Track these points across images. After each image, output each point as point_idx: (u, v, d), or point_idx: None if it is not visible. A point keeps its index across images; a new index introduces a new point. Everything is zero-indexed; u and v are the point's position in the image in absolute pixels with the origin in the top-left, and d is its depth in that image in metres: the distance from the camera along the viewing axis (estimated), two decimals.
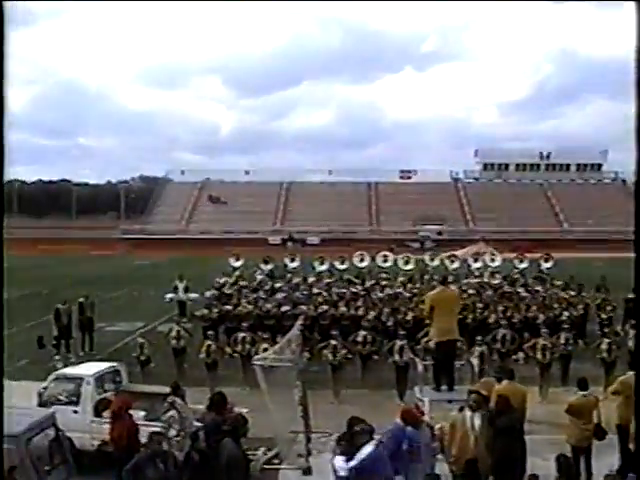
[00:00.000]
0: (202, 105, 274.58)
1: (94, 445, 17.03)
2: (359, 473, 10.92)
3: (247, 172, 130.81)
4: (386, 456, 11.47)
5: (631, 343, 23.60)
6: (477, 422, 13.57)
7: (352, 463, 10.98)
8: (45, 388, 18.17)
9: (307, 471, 14.86)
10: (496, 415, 13.86)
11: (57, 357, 28.03)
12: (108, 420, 15.90)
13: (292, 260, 41.31)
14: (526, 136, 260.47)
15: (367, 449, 11.13)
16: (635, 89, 3.40)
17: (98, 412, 17.45)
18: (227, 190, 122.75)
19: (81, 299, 30.97)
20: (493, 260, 41.29)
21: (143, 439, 14.97)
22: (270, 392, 15.90)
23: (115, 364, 19.69)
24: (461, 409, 14.28)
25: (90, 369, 18.87)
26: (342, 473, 11.05)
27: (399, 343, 22.81)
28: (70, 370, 19.75)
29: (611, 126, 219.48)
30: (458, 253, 47.06)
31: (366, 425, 12.01)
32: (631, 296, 32.97)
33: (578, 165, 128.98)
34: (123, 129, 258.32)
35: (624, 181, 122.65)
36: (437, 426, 14.41)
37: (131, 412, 15.68)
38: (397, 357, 22.58)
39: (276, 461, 16.05)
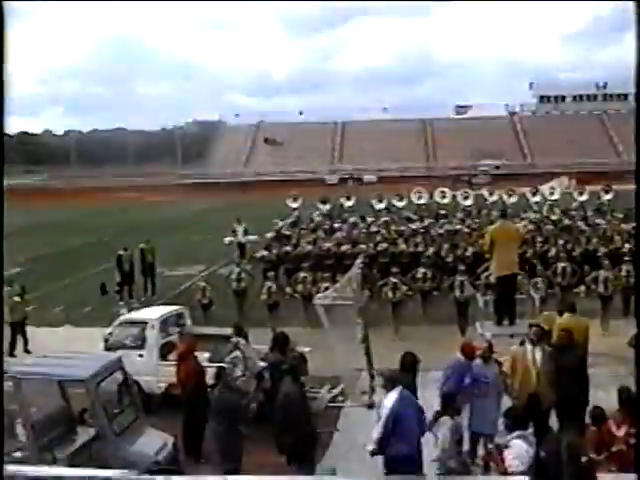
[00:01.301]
0: (254, 47, 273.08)
1: (161, 388, 17.30)
2: (388, 417, 10.93)
3: (301, 113, 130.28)
4: (414, 400, 11.44)
5: None
6: (538, 356, 13.50)
7: (384, 411, 10.99)
8: (110, 333, 18.45)
9: (371, 407, 14.96)
10: (559, 350, 13.81)
11: (120, 303, 28.43)
12: (174, 363, 16.11)
13: (348, 199, 41.23)
14: (583, 67, 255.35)
15: (392, 395, 11.10)
16: (635, 89, 3.36)
17: (163, 355, 17.70)
18: (282, 131, 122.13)
19: (142, 245, 31.32)
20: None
21: (209, 380, 15.21)
22: (332, 330, 16.01)
23: (178, 307, 19.92)
24: (522, 343, 14.25)
25: (154, 313, 19.13)
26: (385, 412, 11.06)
27: (459, 279, 22.75)
28: (134, 315, 20.04)
29: None
30: (542, 188, 46.35)
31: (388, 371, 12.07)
32: None
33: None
34: (176, 75, 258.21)
35: None
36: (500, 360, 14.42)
37: (196, 354, 15.86)
38: (458, 293, 22.55)
39: (340, 398, 16.23)
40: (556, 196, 40.70)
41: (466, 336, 19.80)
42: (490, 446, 11.35)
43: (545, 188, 43.21)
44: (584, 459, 2.86)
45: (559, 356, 13.60)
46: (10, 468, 7.64)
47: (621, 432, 10.43)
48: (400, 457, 10.59)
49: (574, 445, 2.81)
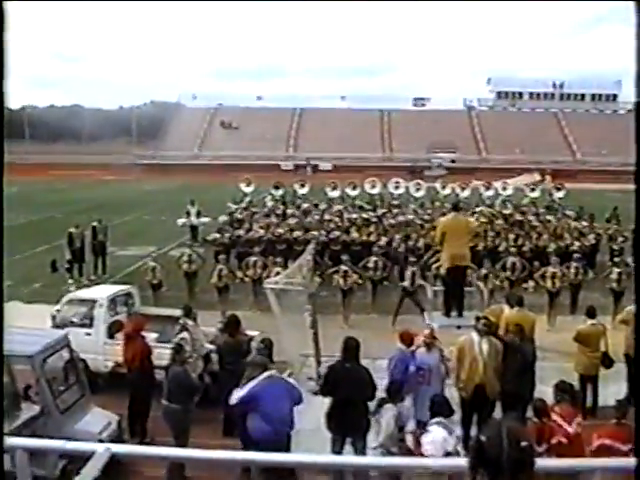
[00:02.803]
0: (214, 31, 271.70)
1: (107, 366, 17.22)
2: (246, 403, 10.98)
3: (259, 97, 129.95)
4: (283, 389, 11.45)
5: None
6: (485, 347, 13.65)
7: (241, 393, 11.01)
8: (58, 310, 18.32)
9: (317, 394, 15.04)
10: (510, 344, 13.99)
11: (70, 280, 28.22)
12: (121, 342, 16.05)
13: (302, 186, 41.46)
14: (540, 66, 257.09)
15: (256, 381, 11.15)
16: (635, 89, 3.41)
17: (111, 334, 17.63)
18: (239, 116, 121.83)
19: (94, 223, 31.10)
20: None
21: (155, 361, 15.20)
22: (281, 315, 16.08)
23: (128, 287, 19.86)
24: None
25: (103, 292, 19.04)
26: (233, 402, 11.11)
27: (411, 269, 22.88)
28: (83, 293, 19.89)
29: (625, 57, 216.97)
30: (510, 181, 46.77)
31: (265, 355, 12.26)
32: None
33: (593, 95, 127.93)
34: (136, 56, 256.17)
35: None
36: (446, 351, 14.57)
37: (144, 334, 15.83)
38: (407, 283, 22.68)
39: None
40: (509, 191, 41.16)
41: (412, 326, 19.92)
42: (417, 430, 11.51)
43: (512, 182, 43.62)
44: (524, 443, 2.93)
45: (510, 350, 13.78)
46: None
47: (572, 427, 10.62)
48: (261, 440, 10.62)
49: (514, 430, 2.87)
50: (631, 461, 4.21)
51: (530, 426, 10.51)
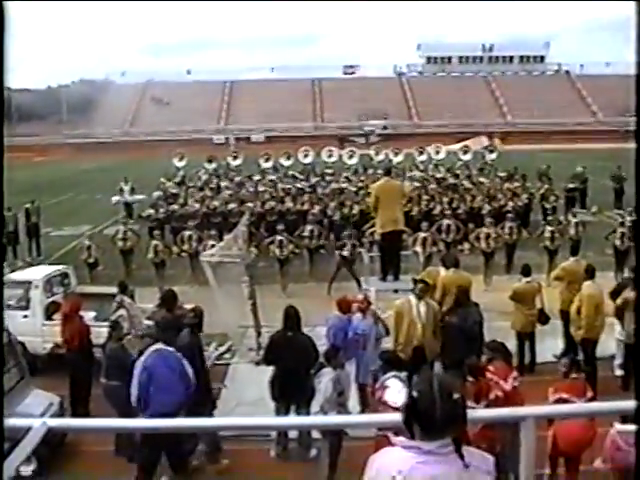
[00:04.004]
0: (140, 6, 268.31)
1: (46, 348, 17.04)
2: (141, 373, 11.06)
3: (189, 72, 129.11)
4: (171, 361, 11.54)
5: (572, 231, 24.15)
6: (423, 310, 13.77)
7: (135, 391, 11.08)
8: None
9: (258, 364, 15.10)
10: (454, 307, 14.15)
11: (4, 263, 27.86)
12: (59, 323, 15.92)
13: (235, 158, 41.41)
14: (469, 30, 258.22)
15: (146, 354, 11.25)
16: (635, 88, 3.48)
17: (48, 315, 17.47)
18: (170, 91, 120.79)
19: (27, 205, 30.74)
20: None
21: (94, 339, 15.10)
22: (219, 288, 16.08)
23: (63, 267, 19.63)
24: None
25: (38, 273, 18.80)
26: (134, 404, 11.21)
27: (349, 240, 22.94)
28: (18, 275, 19.64)
29: (553, 18, 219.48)
30: (458, 146, 47.06)
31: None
32: (572, 186, 33.79)
33: (521, 57, 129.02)
34: (60, 33, 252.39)
35: (567, 72, 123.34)
36: (384, 315, 14.69)
37: (81, 313, 15.70)
38: (347, 253, 22.71)
39: (227, 355, 16.28)
40: (442, 155, 41.48)
41: (349, 293, 20.03)
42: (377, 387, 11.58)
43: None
44: (456, 396, 2.97)
45: (456, 311, 13.95)
46: None
47: (508, 383, 10.79)
48: (158, 414, 10.63)
49: (445, 383, 2.92)
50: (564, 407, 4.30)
51: (467, 386, 10.66)
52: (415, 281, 14.57)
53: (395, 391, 10.03)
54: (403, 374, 10.36)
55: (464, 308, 14.11)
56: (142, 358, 11.10)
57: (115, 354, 13.13)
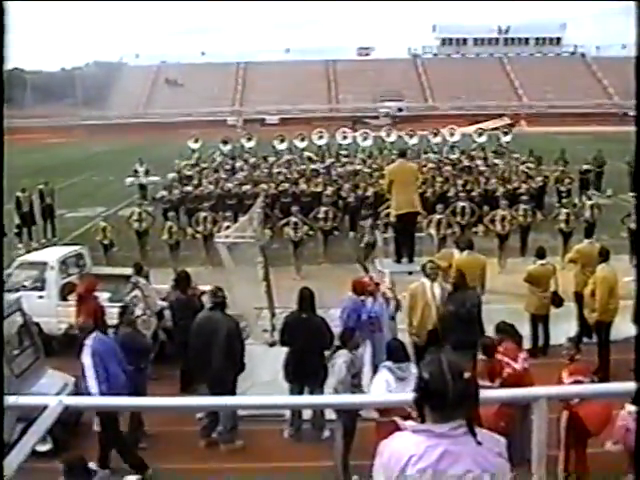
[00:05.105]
0: None
1: (61, 329, 17.10)
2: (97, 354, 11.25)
3: (203, 53, 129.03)
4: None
5: (587, 214, 24.06)
6: (437, 292, 13.75)
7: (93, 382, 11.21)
8: (9, 275, 18.14)
9: (272, 345, 15.15)
10: (452, 290, 14.10)
11: (20, 245, 27.95)
12: (74, 303, 15.97)
13: (249, 140, 41.33)
14: (485, 12, 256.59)
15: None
16: (635, 88, 3.47)
17: (63, 296, 17.51)
18: (184, 72, 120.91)
19: (41, 186, 30.81)
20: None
21: (109, 320, 15.14)
22: (233, 270, 16.08)
23: (78, 248, 19.68)
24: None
25: (53, 254, 18.85)
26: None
27: (368, 222, 22.88)
28: (33, 256, 19.70)
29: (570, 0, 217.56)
30: (482, 126, 46.94)
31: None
32: (586, 168, 33.63)
33: (537, 39, 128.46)
34: (75, 15, 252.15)
35: (583, 55, 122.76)
36: (399, 297, 14.67)
37: (96, 294, 15.76)
38: (370, 237, 22.56)
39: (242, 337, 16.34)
40: (456, 137, 41.32)
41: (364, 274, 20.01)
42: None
43: (484, 126, 43.72)
44: (467, 375, 2.97)
45: (454, 295, 13.89)
46: None
47: (518, 363, 10.82)
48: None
49: (455, 363, 2.92)
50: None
51: (480, 365, 10.67)
52: (426, 263, 14.49)
53: (375, 381, 10.16)
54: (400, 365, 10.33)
55: (461, 292, 14.00)
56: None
57: (127, 338, 13.12)
